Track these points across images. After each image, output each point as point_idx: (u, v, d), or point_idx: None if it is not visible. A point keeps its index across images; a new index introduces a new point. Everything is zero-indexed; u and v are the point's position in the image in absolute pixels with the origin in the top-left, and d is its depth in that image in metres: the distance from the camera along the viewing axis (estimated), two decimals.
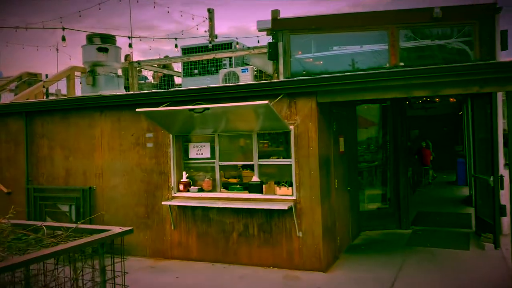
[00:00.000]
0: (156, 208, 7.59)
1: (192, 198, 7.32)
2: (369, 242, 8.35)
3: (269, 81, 6.36)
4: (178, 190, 7.48)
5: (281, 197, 6.72)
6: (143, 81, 13.57)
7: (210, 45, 9.41)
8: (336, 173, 7.39)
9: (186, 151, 7.65)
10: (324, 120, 6.85)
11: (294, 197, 6.65)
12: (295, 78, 6.67)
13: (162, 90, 7.11)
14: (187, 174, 7.54)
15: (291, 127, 6.65)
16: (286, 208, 6.38)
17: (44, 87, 9.56)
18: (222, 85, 7.47)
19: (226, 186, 7.52)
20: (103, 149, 8.06)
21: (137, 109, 6.52)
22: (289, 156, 6.74)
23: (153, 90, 8.38)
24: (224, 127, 7.08)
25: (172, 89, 7.24)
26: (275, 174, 7.14)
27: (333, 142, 7.31)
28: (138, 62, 12.04)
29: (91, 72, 8.41)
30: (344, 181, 7.89)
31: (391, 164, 9.52)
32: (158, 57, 12.62)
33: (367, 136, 11.35)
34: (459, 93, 5.88)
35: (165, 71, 13.29)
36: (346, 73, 6.23)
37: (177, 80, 13.26)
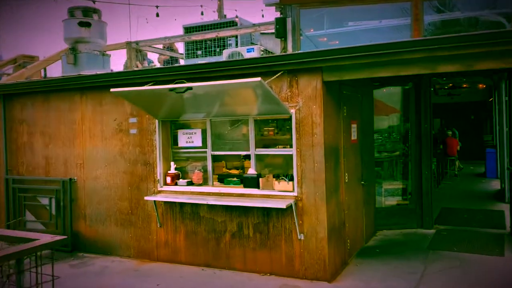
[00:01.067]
0: (141, 203, 6.69)
1: (180, 192, 6.40)
2: (386, 244, 7.29)
3: (266, 55, 5.37)
4: (165, 183, 6.56)
5: (280, 193, 5.73)
6: (147, 65, 12.70)
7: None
8: (347, 165, 6.34)
9: (175, 139, 6.71)
10: (331, 103, 5.80)
11: (295, 193, 5.65)
12: (297, 52, 5.63)
13: (146, 68, 6.19)
14: (176, 165, 6.61)
15: (292, 110, 5.63)
16: (284, 206, 5.38)
17: (25, 67, 8.71)
18: (213, 61, 6.46)
19: (222, 179, 6.57)
20: (84, 136, 7.20)
21: (112, 89, 5.60)
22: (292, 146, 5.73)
23: (135, 69, 7.47)
24: (216, 111, 6.10)
25: (157, 67, 6.31)
26: (281, 166, 6.15)
27: (344, 129, 6.25)
28: (136, 42, 11.14)
29: (72, 50, 7.52)
30: (356, 174, 6.84)
31: (412, 154, 8.40)
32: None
33: (388, 124, 10.63)
34: (498, 68, 4.73)
35: (168, 53, 12.37)
36: (356, 45, 5.14)
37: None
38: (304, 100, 5.56)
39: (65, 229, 7.28)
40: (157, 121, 6.51)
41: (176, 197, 6.27)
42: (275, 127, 6.57)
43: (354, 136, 6.72)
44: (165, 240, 6.56)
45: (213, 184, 6.42)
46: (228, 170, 8.82)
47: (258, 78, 4.74)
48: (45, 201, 7.48)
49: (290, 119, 5.74)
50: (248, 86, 4.94)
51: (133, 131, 6.74)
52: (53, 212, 7.39)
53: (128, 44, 11.02)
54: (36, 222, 7.67)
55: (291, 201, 5.55)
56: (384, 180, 9.42)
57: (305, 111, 5.57)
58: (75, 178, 7.27)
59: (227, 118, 6.30)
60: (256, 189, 5.90)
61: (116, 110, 6.87)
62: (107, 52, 8.18)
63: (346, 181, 6.31)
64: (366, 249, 7.04)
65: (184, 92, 5.16)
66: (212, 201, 5.85)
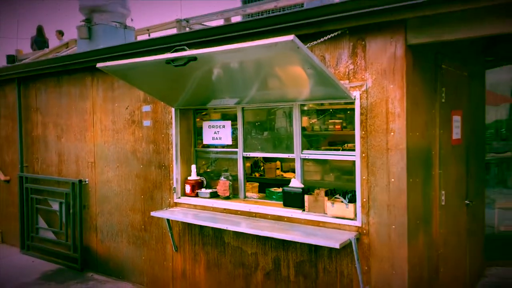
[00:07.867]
0: (155, 217, 5.08)
1: (200, 207, 4.67)
2: None
3: (314, 6, 3.44)
4: (184, 193, 4.88)
5: (334, 220, 3.74)
6: None
7: None
8: (444, 179, 4.15)
9: (200, 134, 5.00)
10: (421, 83, 3.67)
11: (357, 223, 3.63)
12: None
13: (170, 35, 4.57)
14: (202, 168, 4.91)
15: (355, 93, 3.60)
16: (337, 246, 3.39)
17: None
18: (232, 22, 4.60)
19: (265, 188, 4.82)
20: (95, 128, 5.77)
21: (99, 64, 4.00)
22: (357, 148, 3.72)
23: (153, 37, 5.88)
24: (250, 95, 4.24)
25: (166, 35, 4.70)
26: (338, 177, 4.25)
27: (440, 123, 4.06)
28: (187, 20, 9.63)
29: (87, 21, 6.14)
30: (458, 190, 4.59)
31: None
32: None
33: (495, 117, 8.44)
34: None
35: None
36: None
37: None
38: (376, 77, 3.50)
39: (75, 241, 5.95)
40: (173, 109, 4.83)
41: (187, 213, 4.55)
42: (343, 120, 4.64)
43: (457, 134, 4.47)
44: (182, 270, 4.89)
45: (245, 196, 4.60)
46: (283, 174, 7.00)
47: (290, 37, 2.80)
48: (55, 205, 6.22)
49: (352, 107, 3.71)
50: (276, 51, 3.02)
51: (146, 122, 5.14)
52: (63, 219, 6.09)
53: (178, 23, 9.56)
54: (48, 230, 6.45)
55: (351, 236, 3.54)
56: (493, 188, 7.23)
57: (376, 94, 3.51)
58: (87, 180, 5.89)
59: (264, 106, 4.43)
60: (300, 211, 3.97)
61: (129, 96, 5.33)
62: (131, 25, 6.70)
63: (443, 203, 4.11)
64: None
65: (185, 64, 3.38)
66: (233, 226, 4.02)
